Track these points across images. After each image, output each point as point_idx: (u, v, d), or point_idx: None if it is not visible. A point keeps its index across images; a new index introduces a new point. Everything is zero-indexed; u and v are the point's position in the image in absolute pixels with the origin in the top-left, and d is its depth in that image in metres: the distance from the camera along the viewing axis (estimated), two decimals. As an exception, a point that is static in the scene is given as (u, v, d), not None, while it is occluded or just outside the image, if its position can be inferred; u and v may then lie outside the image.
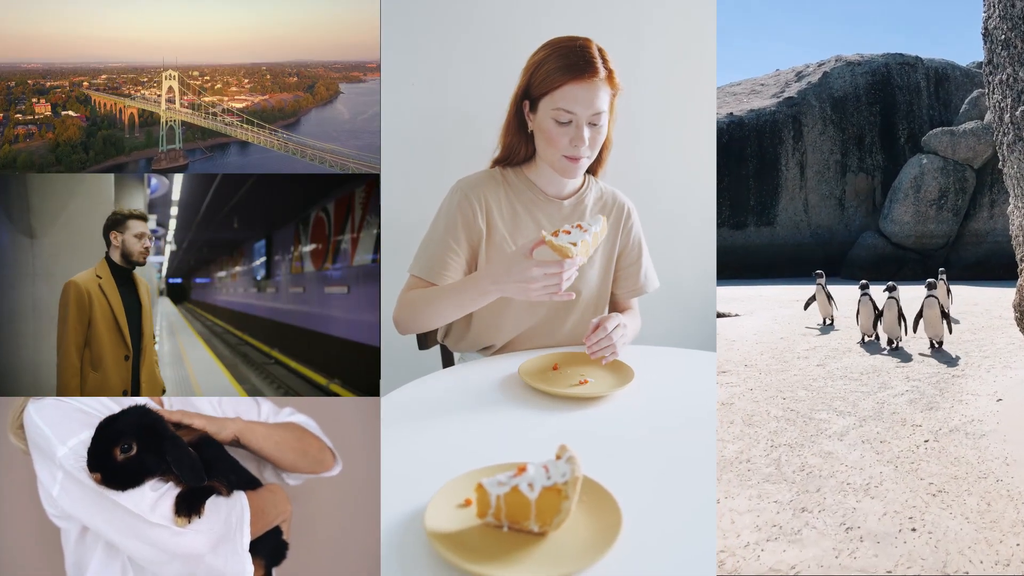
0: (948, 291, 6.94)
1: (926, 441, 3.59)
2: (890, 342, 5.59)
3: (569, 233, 2.26)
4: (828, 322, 6.83)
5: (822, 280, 6.96)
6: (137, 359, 3.07)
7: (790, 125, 13.50)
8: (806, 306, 7.10)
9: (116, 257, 3.04)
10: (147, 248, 3.07)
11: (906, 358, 5.07)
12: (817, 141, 13.58)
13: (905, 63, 14.22)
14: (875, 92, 13.89)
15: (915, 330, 5.56)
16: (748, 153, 13.34)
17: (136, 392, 3.04)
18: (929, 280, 5.75)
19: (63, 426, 1.67)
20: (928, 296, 5.48)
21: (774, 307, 7.89)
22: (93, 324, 2.96)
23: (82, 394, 2.91)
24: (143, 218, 3.07)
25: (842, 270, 12.81)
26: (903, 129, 13.84)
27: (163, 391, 3.21)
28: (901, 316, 5.52)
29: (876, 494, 3.00)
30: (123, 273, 3.07)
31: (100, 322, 2.97)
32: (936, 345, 5.46)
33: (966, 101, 13.37)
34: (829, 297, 6.91)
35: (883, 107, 13.87)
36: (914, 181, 12.57)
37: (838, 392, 4.45)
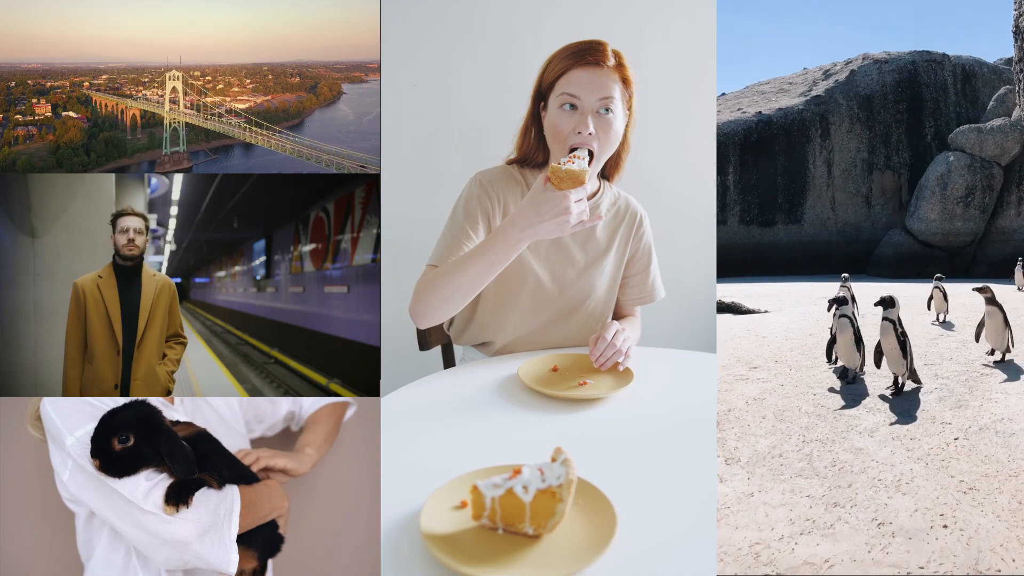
0: (945, 296, 6.56)
1: (956, 439, 3.58)
2: (844, 374, 4.60)
3: (572, 162, 2.25)
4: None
5: (848, 283, 6.35)
6: (130, 355, 3.17)
7: (817, 123, 13.48)
8: (829, 307, 6.55)
9: (117, 255, 3.19)
10: (131, 241, 3.15)
11: (853, 401, 4.21)
12: (844, 139, 13.54)
13: (932, 60, 14.16)
14: (902, 90, 13.84)
15: (877, 364, 4.48)
16: (776, 151, 13.34)
17: (126, 388, 3.16)
18: (884, 296, 4.32)
19: (72, 418, 1.79)
20: (883, 320, 4.26)
21: (803, 304, 7.89)
22: (88, 321, 3.12)
23: (80, 385, 3.12)
24: (131, 214, 3.17)
25: (868, 268, 12.78)
26: (930, 126, 13.77)
27: (167, 391, 3.26)
28: (858, 340, 4.53)
29: (907, 491, 3.02)
30: (126, 271, 3.17)
31: (94, 319, 3.12)
32: (900, 386, 4.38)
33: (993, 98, 13.32)
34: (853, 299, 6.26)
35: (910, 105, 13.82)
36: (941, 178, 12.50)
37: (878, 387, 4.44)
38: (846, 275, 6.38)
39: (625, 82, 2.56)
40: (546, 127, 2.62)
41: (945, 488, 3.02)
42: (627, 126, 2.66)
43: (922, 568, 2.42)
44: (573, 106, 2.51)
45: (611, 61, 2.53)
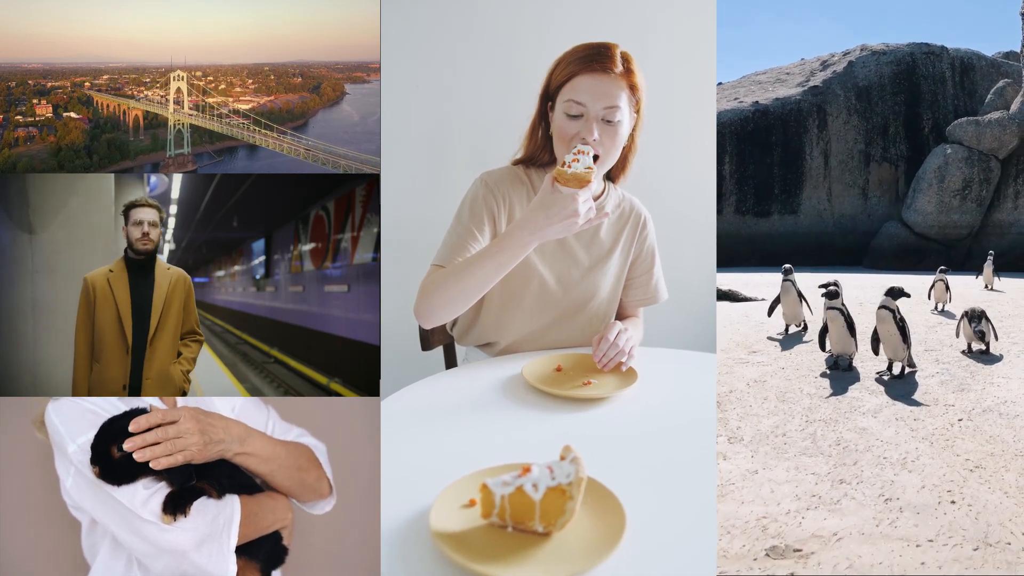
0: (947, 288, 6.67)
1: (960, 420, 3.64)
2: (836, 363, 4.62)
3: (578, 161, 2.24)
4: (797, 327, 5.71)
5: (792, 276, 5.77)
6: (140, 353, 3.06)
7: (815, 114, 13.47)
8: (770, 310, 5.94)
9: (129, 248, 3.07)
10: (146, 235, 3.03)
11: (841, 387, 4.22)
12: (841, 130, 13.54)
13: (930, 53, 14.17)
14: (900, 82, 13.84)
15: (875, 350, 4.54)
16: (773, 141, 13.32)
17: (136, 387, 3.05)
18: (892, 287, 4.53)
19: (74, 425, 1.77)
20: (881, 308, 4.41)
21: None
22: (97, 317, 3.01)
23: (88, 384, 3.01)
24: (146, 205, 3.04)
25: (864, 260, 12.80)
26: (927, 119, 13.78)
27: (182, 392, 3.14)
28: (850, 328, 4.58)
29: (913, 468, 3.06)
30: (139, 266, 3.06)
31: (103, 316, 3.01)
32: (900, 370, 4.44)
33: (992, 91, 13.32)
34: (801, 297, 5.70)
35: (908, 97, 13.83)
36: (938, 171, 12.52)
37: (868, 371, 4.51)
38: (788, 266, 5.93)
39: (632, 88, 2.54)
40: (552, 130, 2.62)
41: (951, 466, 3.07)
42: (634, 129, 2.65)
43: (931, 541, 2.46)
44: (579, 113, 2.50)
45: (619, 68, 2.51)
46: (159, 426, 1.74)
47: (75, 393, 3.00)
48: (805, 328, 5.67)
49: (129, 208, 3.04)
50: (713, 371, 2.55)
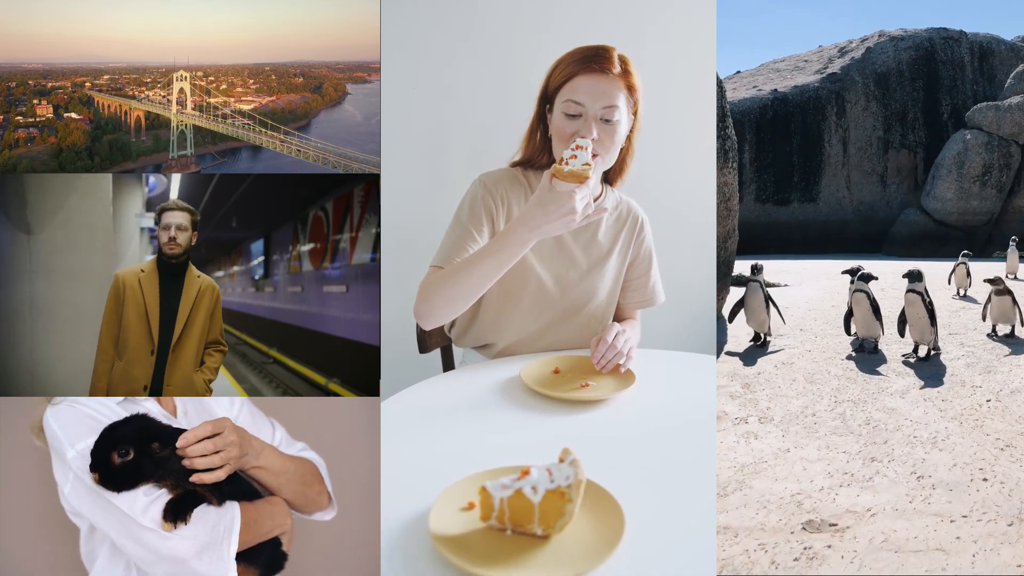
0: (968, 272, 6.70)
1: (988, 401, 3.68)
2: (861, 346, 4.67)
3: (576, 157, 2.24)
4: (763, 336, 5.09)
5: (760, 277, 5.21)
6: (164, 357, 3.04)
7: (833, 101, 13.46)
8: (731, 316, 5.34)
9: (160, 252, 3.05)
10: (173, 239, 2.97)
11: (870, 369, 4.27)
12: (860, 117, 13.52)
13: (949, 38, 14.13)
14: (918, 67, 13.82)
15: (901, 332, 4.66)
16: (792, 129, 13.32)
17: (157, 391, 3.02)
18: (910, 270, 4.62)
19: (73, 430, 1.76)
20: (909, 291, 4.51)
21: (821, 279, 8.00)
22: (124, 315, 3.00)
23: (108, 380, 2.99)
24: (176, 208, 3.00)
25: (884, 247, 12.76)
26: (946, 105, 13.75)
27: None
28: (876, 311, 4.65)
29: (944, 447, 3.11)
30: (170, 269, 3.05)
31: (130, 314, 3.00)
32: (926, 353, 4.50)
33: (1011, 76, 13.27)
34: (769, 300, 5.08)
35: (926, 82, 13.81)
36: (957, 157, 12.48)
37: (893, 355, 4.58)
38: (759, 264, 5.29)
39: (630, 89, 2.54)
40: (551, 131, 2.61)
41: (982, 445, 3.11)
42: (632, 131, 2.64)
43: (965, 517, 2.50)
44: (578, 113, 2.49)
45: (617, 68, 2.51)
46: (208, 438, 1.76)
47: (93, 387, 3.00)
48: (759, 338, 5.10)
49: (161, 212, 3.01)
50: (712, 372, 2.54)
